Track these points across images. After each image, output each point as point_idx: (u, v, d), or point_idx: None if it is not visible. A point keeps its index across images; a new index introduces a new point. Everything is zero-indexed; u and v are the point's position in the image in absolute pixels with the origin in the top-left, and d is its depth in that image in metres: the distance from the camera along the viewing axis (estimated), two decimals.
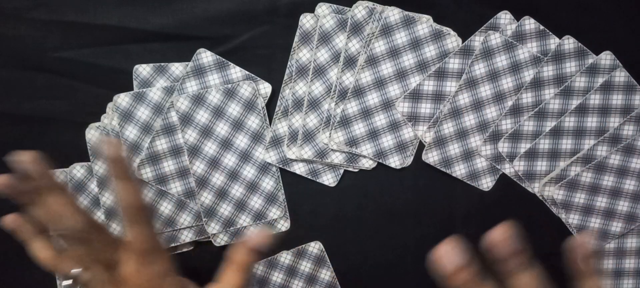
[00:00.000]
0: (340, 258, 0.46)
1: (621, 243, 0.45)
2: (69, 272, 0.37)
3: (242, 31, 0.45)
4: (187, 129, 0.44)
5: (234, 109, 0.44)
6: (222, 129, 0.44)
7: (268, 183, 0.45)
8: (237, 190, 0.45)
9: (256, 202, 0.45)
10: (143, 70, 0.44)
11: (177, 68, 0.44)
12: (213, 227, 0.45)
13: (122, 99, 0.44)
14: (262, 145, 0.45)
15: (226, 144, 0.44)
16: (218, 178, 0.45)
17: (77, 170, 0.45)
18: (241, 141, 0.44)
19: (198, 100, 0.44)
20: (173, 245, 0.46)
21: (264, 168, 0.45)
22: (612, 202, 0.44)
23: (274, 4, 0.44)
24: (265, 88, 0.45)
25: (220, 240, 0.45)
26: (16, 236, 0.38)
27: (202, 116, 0.44)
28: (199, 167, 0.44)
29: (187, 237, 0.46)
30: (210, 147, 0.44)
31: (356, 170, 0.46)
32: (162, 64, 0.44)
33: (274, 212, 0.45)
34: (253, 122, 0.44)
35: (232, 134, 0.44)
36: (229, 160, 0.45)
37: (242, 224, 0.45)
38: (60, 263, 0.38)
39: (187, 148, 0.44)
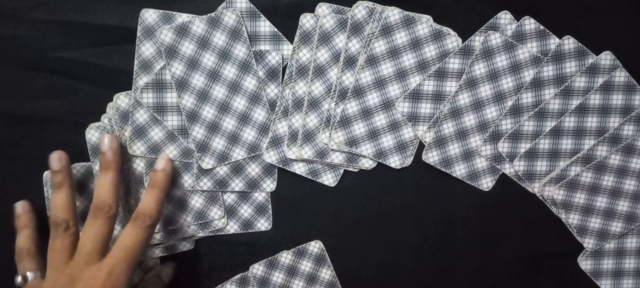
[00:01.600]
0: (340, 258, 0.46)
1: (621, 243, 0.45)
2: (25, 272, 0.41)
3: None
4: (173, 62, 0.43)
5: (219, 38, 0.43)
6: (208, 60, 0.43)
7: (260, 115, 0.44)
8: (229, 123, 0.44)
9: (249, 134, 0.44)
10: (149, 16, 0.43)
11: (184, 19, 0.44)
12: (207, 162, 0.44)
13: (122, 100, 0.44)
14: (250, 74, 0.43)
15: (214, 76, 0.43)
16: (209, 112, 0.44)
17: (77, 170, 0.45)
18: (229, 71, 0.43)
19: (182, 30, 0.43)
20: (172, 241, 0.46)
21: (255, 98, 0.44)
22: (612, 202, 0.44)
23: (274, 4, 0.44)
24: (287, 49, 0.44)
25: (206, 163, 0.45)
26: (17, 220, 0.43)
27: (188, 48, 0.43)
28: (188, 101, 0.43)
29: (191, 227, 0.45)
30: (198, 80, 0.43)
31: (356, 170, 0.46)
32: (170, 12, 0.43)
33: (267, 142, 0.45)
34: (240, 50, 0.43)
35: (220, 64, 0.43)
36: (219, 92, 0.44)
37: (237, 157, 0.44)
38: (25, 261, 0.41)
39: (175, 82, 0.43)
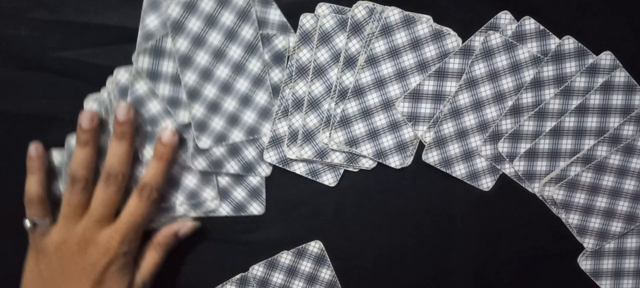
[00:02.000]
0: (340, 258, 0.46)
1: (621, 243, 0.45)
2: (34, 217, 0.42)
3: None
4: (178, 38, 0.42)
5: (227, 18, 0.42)
6: (214, 38, 0.43)
7: (262, 98, 0.44)
8: (230, 104, 0.44)
9: (250, 116, 0.44)
10: None
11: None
12: (204, 142, 0.44)
13: (122, 75, 0.43)
14: (256, 57, 0.43)
15: (219, 55, 0.43)
16: (210, 91, 0.43)
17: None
18: (234, 52, 0.43)
19: (190, 7, 0.42)
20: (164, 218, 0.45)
21: (258, 81, 0.43)
22: (612, 202, 0.44)
23: None
24: (292, 39, 0.44)
25: (203, 142, 0.44)
26: (29, 162, 0.42)
27: (194, 24, 0.42)
28: (190, 78, 0.43)
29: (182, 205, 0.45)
30: (202, 58, 0.43)
31: (356, 170, 0.46)
32: None
33: (268, 127, 0.45)
34: (247, 32, 0.43)
35: (225, 44, 0.43)
36: (222, 71, 0.43)
37: (235, 139, 0.44)
38: (35, 206, 0.42)
39: (178, 58, 0.43)
